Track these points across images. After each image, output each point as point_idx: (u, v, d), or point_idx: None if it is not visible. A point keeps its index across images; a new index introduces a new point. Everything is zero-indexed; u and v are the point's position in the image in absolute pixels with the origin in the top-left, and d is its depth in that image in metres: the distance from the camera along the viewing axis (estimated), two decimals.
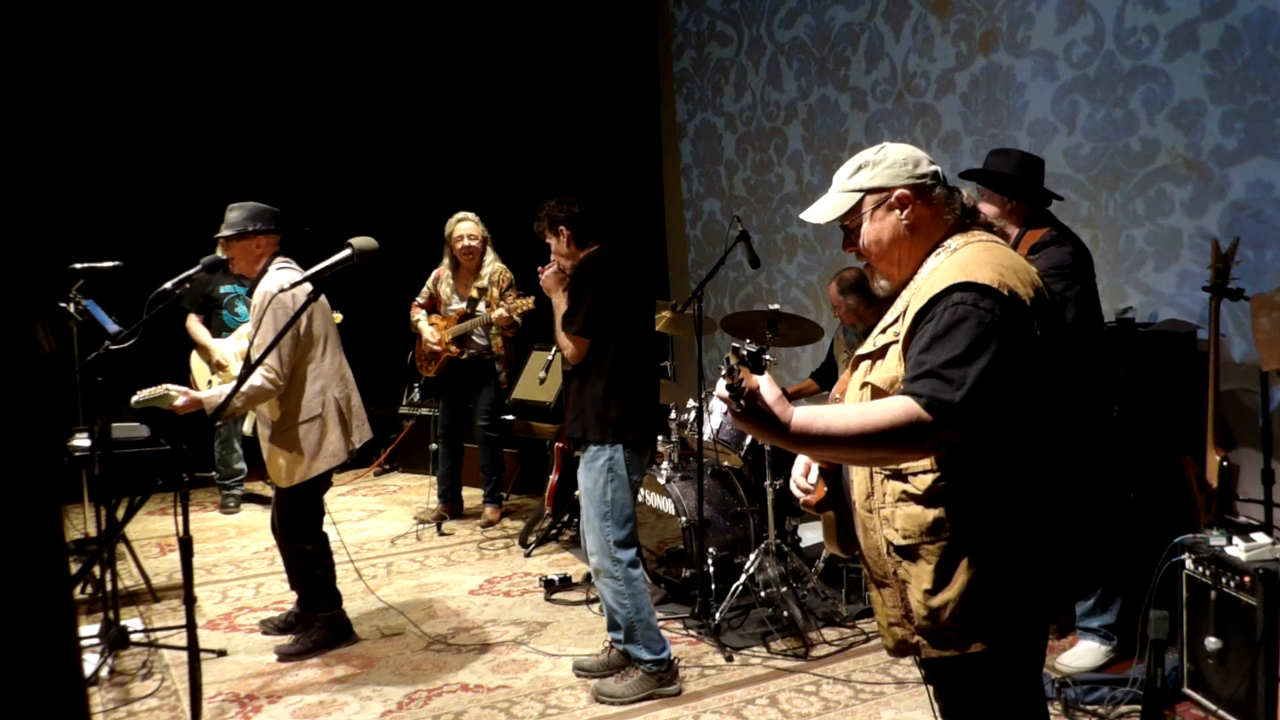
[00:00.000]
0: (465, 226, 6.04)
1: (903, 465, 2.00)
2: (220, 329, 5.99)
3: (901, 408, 1.86)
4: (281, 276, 4.05)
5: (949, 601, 1.98)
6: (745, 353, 1.85)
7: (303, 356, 4.09)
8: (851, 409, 1.93)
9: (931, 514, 1.98)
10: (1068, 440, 2.04)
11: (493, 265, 6.09)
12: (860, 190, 2.12)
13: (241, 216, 4.16)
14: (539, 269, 4.03)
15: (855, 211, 2.13)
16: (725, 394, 1.85)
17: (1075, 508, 2.04)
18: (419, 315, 6.20)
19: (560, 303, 3.90)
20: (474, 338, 6.07)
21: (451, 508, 6.42)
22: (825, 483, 2.27)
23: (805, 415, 1.88)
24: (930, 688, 2.24)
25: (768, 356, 1.88)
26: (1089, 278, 3.81)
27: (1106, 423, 3.90)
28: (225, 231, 4.16)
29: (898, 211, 2.10)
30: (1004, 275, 1.95)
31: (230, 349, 5.45)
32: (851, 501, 2.17)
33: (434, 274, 6.23)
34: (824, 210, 2.17)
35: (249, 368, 3.02)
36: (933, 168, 2.14)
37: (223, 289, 6.07)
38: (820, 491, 2.27)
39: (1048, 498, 2.00)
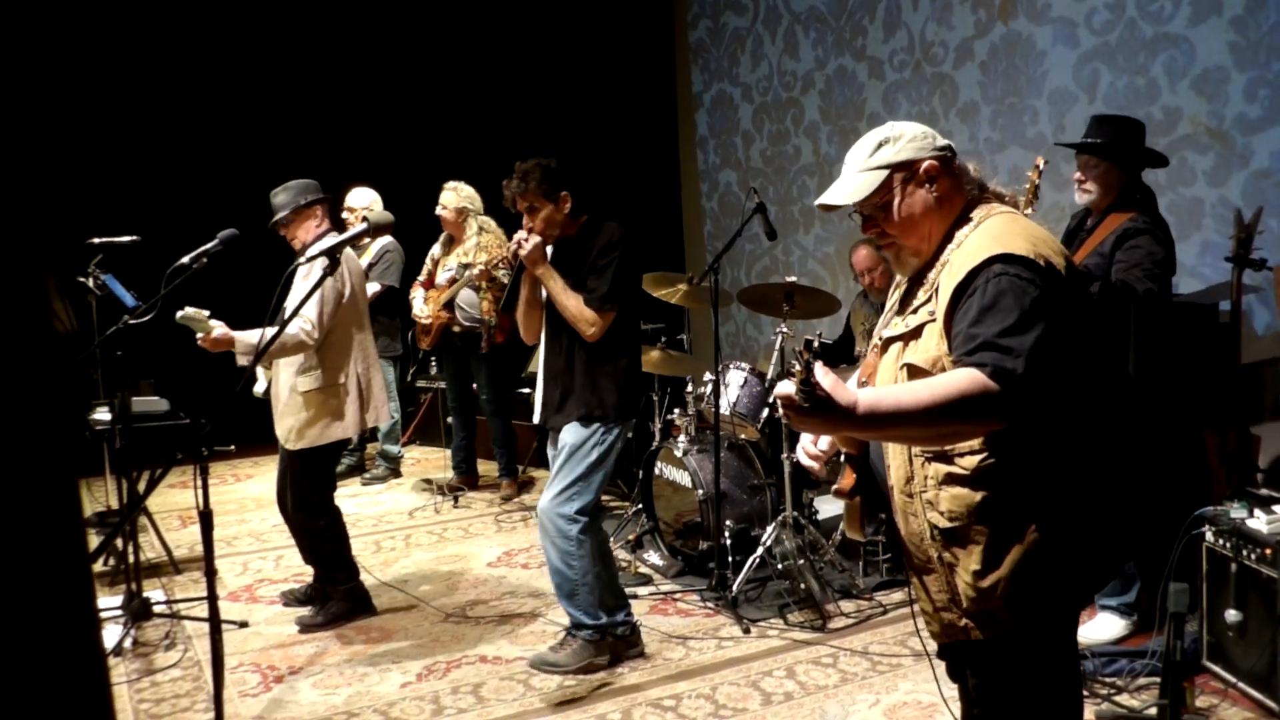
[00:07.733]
0: (442, 196, 5.96)
1: (949, 446, 1.95)
2: None
3: (969, 378, 1.80)
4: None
5: (1000, 580, 1.93)
6: (817, 347, 1.73)
7: (345, 321, 4.11)
8: (919, 384, 1.87)
9: (979, 494, 1.92)
10: (1107, 410, 1.99)
11: (479, 237, 5.92)
12: (887, 166, 2.04)
13: (290, 196, 4.17)
14: (519, 240, 3.61)
15: (883, 190, 2.04)
16: (790, 392, 1.73)
17: (1117, 478, 2.00)
18: (416, 293, 6.11)
19: (548, 277, 3.60)
20: (465, 306, 5.94)
21: (468, 479, 6.45)
22: (852, 468, 2.16)
23: (872, 395, 1.82)
24: (945, 664, 2.23)
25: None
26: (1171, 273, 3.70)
27: (1132, 389, 3.78)
28: (282, 215, 4.15)
29: (927, 185, 2.04)
30: (1037, 245, 1.92)
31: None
32: (889, 487, 2.10)
33: (432, 249, 6.19)
34: (849, 191, 2.06)
35: (287, 319, 3.05)
36: (945, 140, 2.11)
37: None
38: (850, 479, 2.16)
39: (1092, 470, 1.97)
